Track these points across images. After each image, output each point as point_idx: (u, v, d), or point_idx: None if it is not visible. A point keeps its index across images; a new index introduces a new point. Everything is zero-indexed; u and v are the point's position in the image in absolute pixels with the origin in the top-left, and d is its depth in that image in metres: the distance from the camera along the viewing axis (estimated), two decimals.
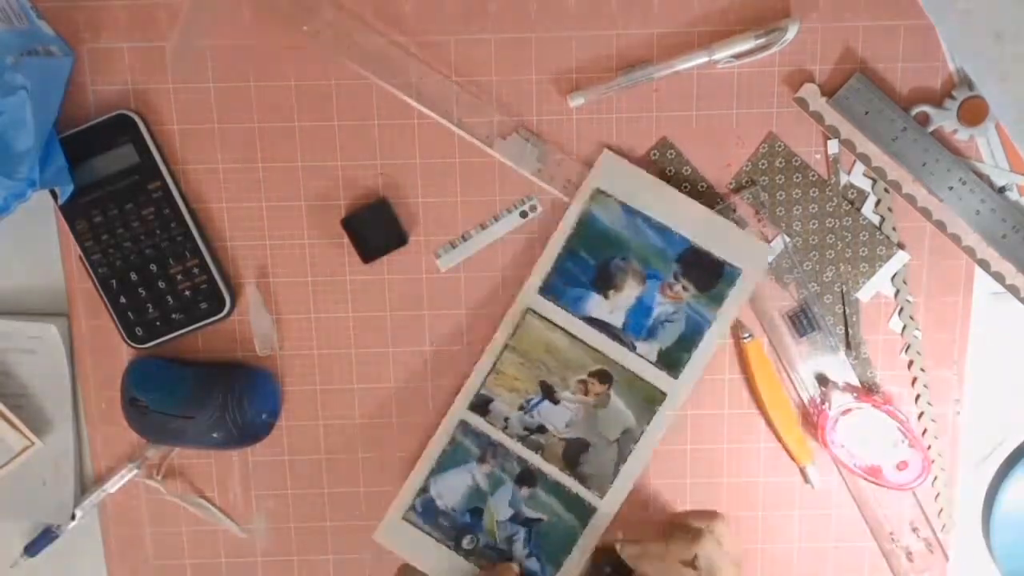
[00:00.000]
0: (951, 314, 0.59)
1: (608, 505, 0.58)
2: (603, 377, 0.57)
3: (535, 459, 0.58)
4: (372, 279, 0.59)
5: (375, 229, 0.57)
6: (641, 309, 0.57)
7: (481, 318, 0.59)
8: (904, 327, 0.59)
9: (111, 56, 0.56)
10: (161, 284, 0.57)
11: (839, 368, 0.59)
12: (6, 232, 0.56)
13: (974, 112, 0.56)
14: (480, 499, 0.58)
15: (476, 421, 0.58)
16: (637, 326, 0.57)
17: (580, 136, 0.57)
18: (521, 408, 0.57)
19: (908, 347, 0.59)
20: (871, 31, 0.56)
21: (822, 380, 0.59)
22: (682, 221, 0.56)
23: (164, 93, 0.56)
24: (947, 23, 0.55)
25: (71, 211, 0.56)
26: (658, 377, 0.57)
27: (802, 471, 0.61)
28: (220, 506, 0.61)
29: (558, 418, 0.57)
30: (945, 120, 0.56)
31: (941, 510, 0.61)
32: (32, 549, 0.61)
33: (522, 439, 0.58)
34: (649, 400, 0.57)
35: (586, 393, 0.57)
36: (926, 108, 0.56)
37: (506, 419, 0.58)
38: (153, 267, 0.57)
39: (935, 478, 0.60)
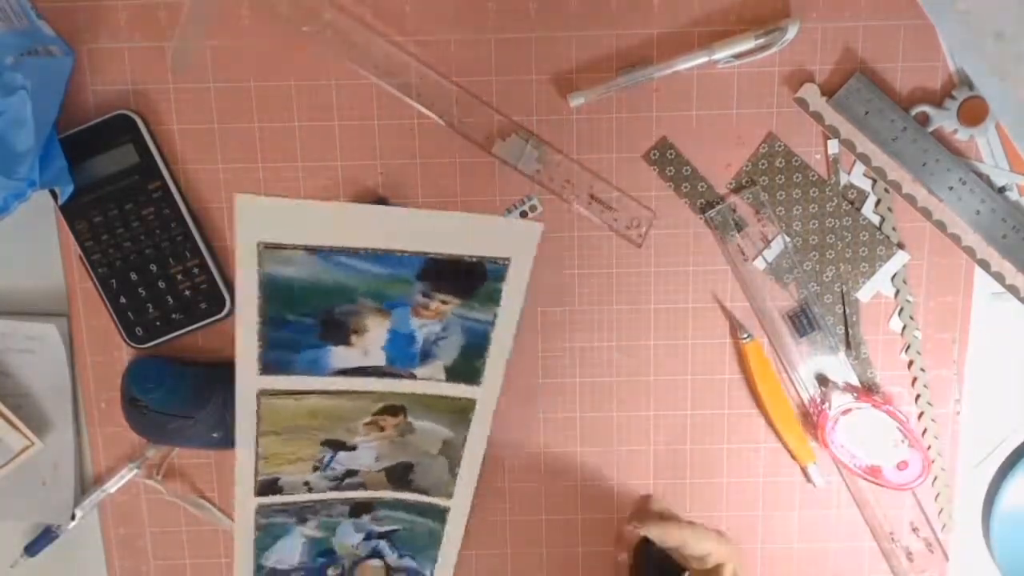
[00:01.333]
0: (951, 314, 0.59)
1: (459, 501, 0.52)
2: (393, 411, 0.48)
3: (361, 494, 0.50)
4: None
5: None
6: (400, 339, 0.46)
7: None
8: (904, 327, 0.59)
9: (111, 56, 0.56)
10: (161, 284, 0.57)
11: (839, 368, 0.59)
12: (6, 232, 0.56)
13: (974, 112, 0.56)
14: (323, 543, 0.52)
15: (273, 500, 0.50)
16: (404, 357, 0.47)
17: (580, 136, 0.57)
18: (316, 468, 0.50)
19: (908, 347, 0.59)
20: (871, 31, 0.56)
21: (822, 380, 0.59)
22: (400, 236, 0.43)
23: (164, 93, 0.56)
24: (947, 23, 0.55)
25: (71, 211, 0.56)
26: (457, 390, 0.48)
27: (804, 471, 0.61)
28: (220, 506, 0.61)
29: (364, 459, 0.49)
30: (945, 120, 0.56)
31: (941, 510, 0.61)
32: (32, 549, 0.61)
33: (335, 487, 0.50)
34: (458, 411, 0.49)
35: (382, 429, 0.49)
36: (926, 108, 0.56)
37: (306, 483, 0.50)
38: (153, 267, 0.57)
39: (935, 478, 0.60)
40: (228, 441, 0.57)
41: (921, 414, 0.60)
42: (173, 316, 0.57)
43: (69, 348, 0.59)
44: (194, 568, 0.62)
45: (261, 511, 0.51)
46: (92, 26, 0.55)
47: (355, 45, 0.55)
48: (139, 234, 0.56)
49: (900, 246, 0.58)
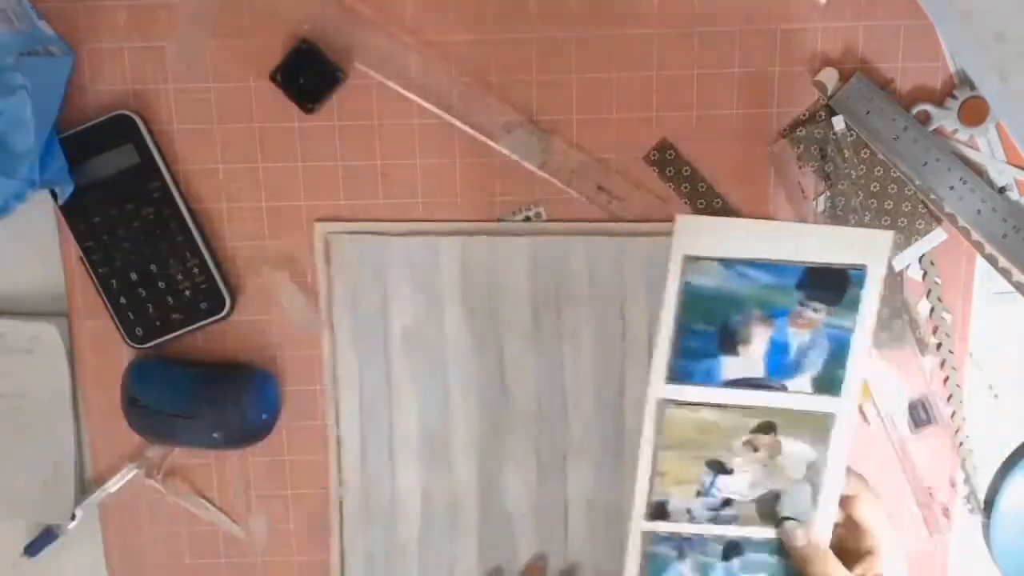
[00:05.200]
0: (951, 314, 0.59)
1: (821, 533, 0.54)
2: (766, 429, 0.53)
3: (733, 531, 0.54)
4: None
5: (307, 75, 0.55)
6: (777, 349, 0.52)
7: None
8: (932, 309, 0.59)
9: (111, 56, 0.56)
10: (161, 284, 0.57)
11: None
12: (6, 232, 0.56)
13: (975, 112, 0.56)
14: None
15: (660, 527, 0.54)
16: (779, 368, 0.52)
17: (580, 136, 0.57)
18: (699, 494, 0.53)
19: (936, 329, 0.59)
20: (871, 31, 0.56)
21: None
22: (787, 248, 0.50)
23: (164, 93, 0.56)
24: (947, 23, 0.55)
25: (71, 211, 0.56)
26: (820, 403, 0.52)
27: (860, 408, 0.60)
28: (220, 506, 0.61)
29: (740, 485, 0.53)
30: (946, 120, 0.56)
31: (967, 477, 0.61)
32: (32, 549, 0.61)
33: (712, 520, 0.54)
34: (820, 427, 0.52)
35: (755, 450, 0.53)
36: (927, 107, 0.56)
37: (688, 510, 0.54)
38: (153, 267, 0.57)
39: (961, 444, 0.60)
40: (228, 441, 0.58)
41: (950, 396, 0.60)
42: (173, 316, 0.57)
43: (69, 348, 0.59)
44: (194, 568, 0.62)
45: (648, 538, 0.54)
46: (92, 26, 0.55)
47: (356, 43, 0.55)
48: (139, 234, 0.56)
49: (938, 220, 0.57)
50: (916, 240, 0.58)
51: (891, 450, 0.60)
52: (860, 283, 0.50)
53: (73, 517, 0.60)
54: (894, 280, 0.58)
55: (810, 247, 0.50)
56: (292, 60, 0.55)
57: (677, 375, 0.52)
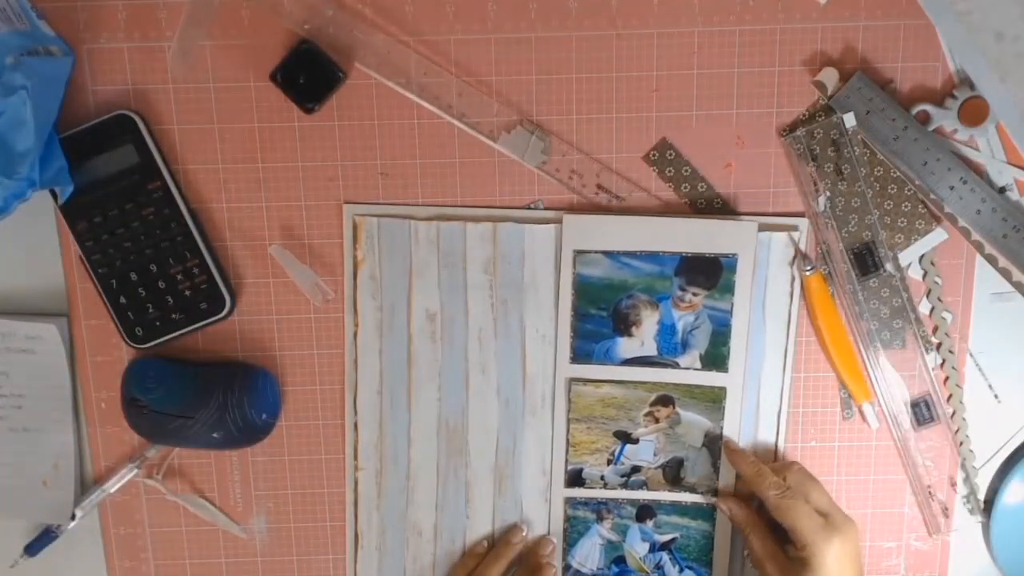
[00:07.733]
0: (951, 314, 0.59)
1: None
2: (664, 401, 0.59)
3: (644, 494, 0.60)
4: None
5: (308, 75, 0.55)
6: (666, 330, 0.58)
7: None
8: (932, 309, 0.59)
9: (111, 56, 0.56)
10: (161, 284, 0.57)
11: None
12: (6, 232, 0.56)
13: (975, 112, 0.56)
14: (617, 549, 0.61)
15: (578, 493, 0.60)
16: (670, 346, 0.58)
17: (580, 136, 0.57)
18: (609, 462, 0.60)
19: (936, 329, 0.59)
20: (871, 31, 0.56)
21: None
22: (663, 239, 0.57)
23: (164, 93, 0.56)
24: (947, 23, 0.55)
25: (71, 211, 0.56)
26: (711, 378, 0.59)
27: (859, 410, 0.60)
28: (220, 506, 0.61)
29: (645, 453, 0.60)
30: (945, 119, 0.56)
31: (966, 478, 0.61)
32: (32, 549, 0.61)
33: (624, 485, 0.60)
34: (714, 400, 0.59)
35: (657, 421, 0.59)
36: (927, 107, 0.56)
37: (602, 477, 0.60)
38: (153, 267, 0.57)
39: (961, 442, 0.60)
40: (228, 441, 0.58)
41: (950, 396, 0.60)
42: (173, 316, 0.57)
43: (69, 348, 0.59)
44: (194, 568, 0.62)
45: (569, 503, 0.60)
46: (92, 26, 0.55)
47: (355, 43, 0.55)
48: (139, 234, 0.56)
49: (937, 220, 0.57)
50: (916, 240, 0.58)
51: (891, 450, 0.61)
52: (732, 269, 0.57)
53: (73, 517, 0.60)
54: (895, 280, 0.58)
55: (684, 238, 0.57)
56: (292, 60, 0.55)
57: (579, 356, 0.58)
